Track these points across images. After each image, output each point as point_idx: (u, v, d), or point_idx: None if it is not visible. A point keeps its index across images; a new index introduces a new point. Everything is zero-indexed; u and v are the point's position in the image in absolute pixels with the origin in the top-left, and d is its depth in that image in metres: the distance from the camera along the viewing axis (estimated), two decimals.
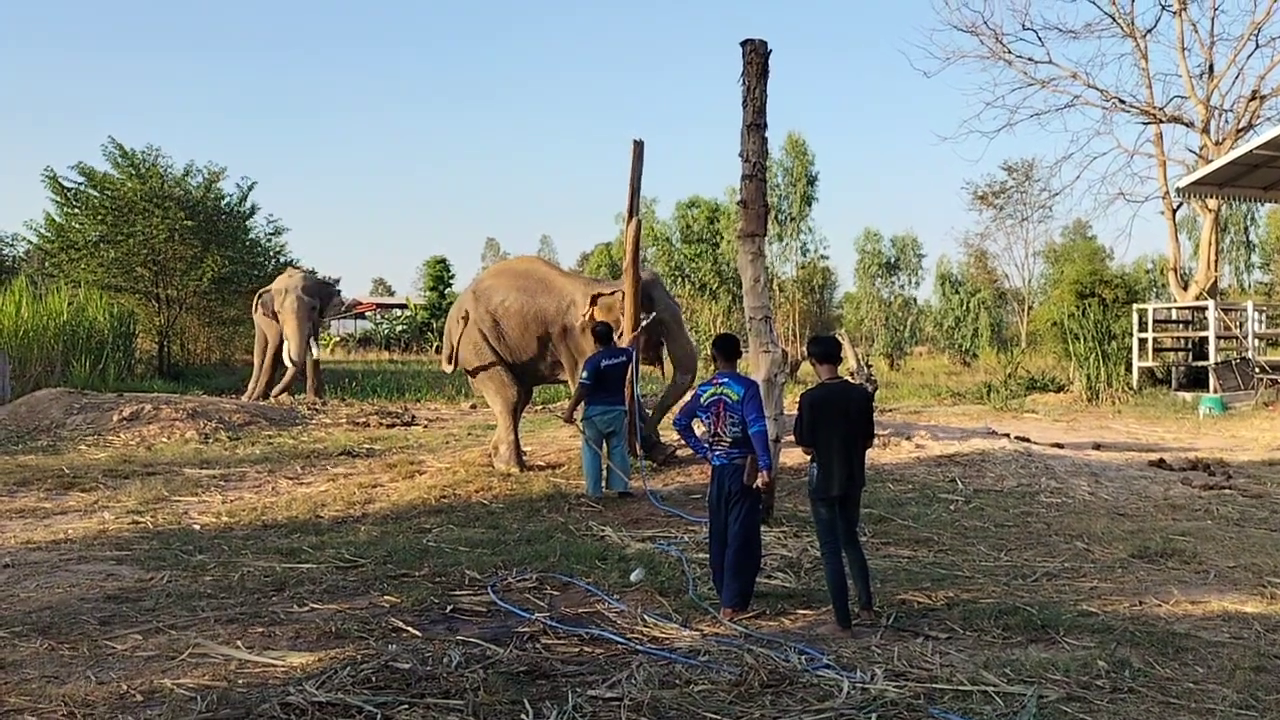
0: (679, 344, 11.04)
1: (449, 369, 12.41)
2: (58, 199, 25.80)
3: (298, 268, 26.01)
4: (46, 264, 26.93)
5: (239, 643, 5.25)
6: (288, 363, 19.57)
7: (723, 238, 39.89)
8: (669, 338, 11.00)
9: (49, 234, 26.27)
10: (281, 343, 19.68)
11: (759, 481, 5.93)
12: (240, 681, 4.67)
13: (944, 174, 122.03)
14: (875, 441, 6.00)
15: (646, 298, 10.61)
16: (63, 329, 20.36)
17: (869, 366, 21.60)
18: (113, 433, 13.65)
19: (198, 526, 8.43)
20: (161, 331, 25.15)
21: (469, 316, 10.99)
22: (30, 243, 28.26)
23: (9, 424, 14.08)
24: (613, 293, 10.58)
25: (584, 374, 9.45)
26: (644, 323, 10.34)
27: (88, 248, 25.37)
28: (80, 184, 25.62)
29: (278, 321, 19.68)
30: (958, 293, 41.39)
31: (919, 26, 52.16)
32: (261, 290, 20.54)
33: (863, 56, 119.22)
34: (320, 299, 20.14)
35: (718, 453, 6.06)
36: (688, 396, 6.92)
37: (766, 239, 8.95)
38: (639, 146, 10.64)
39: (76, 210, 25.83)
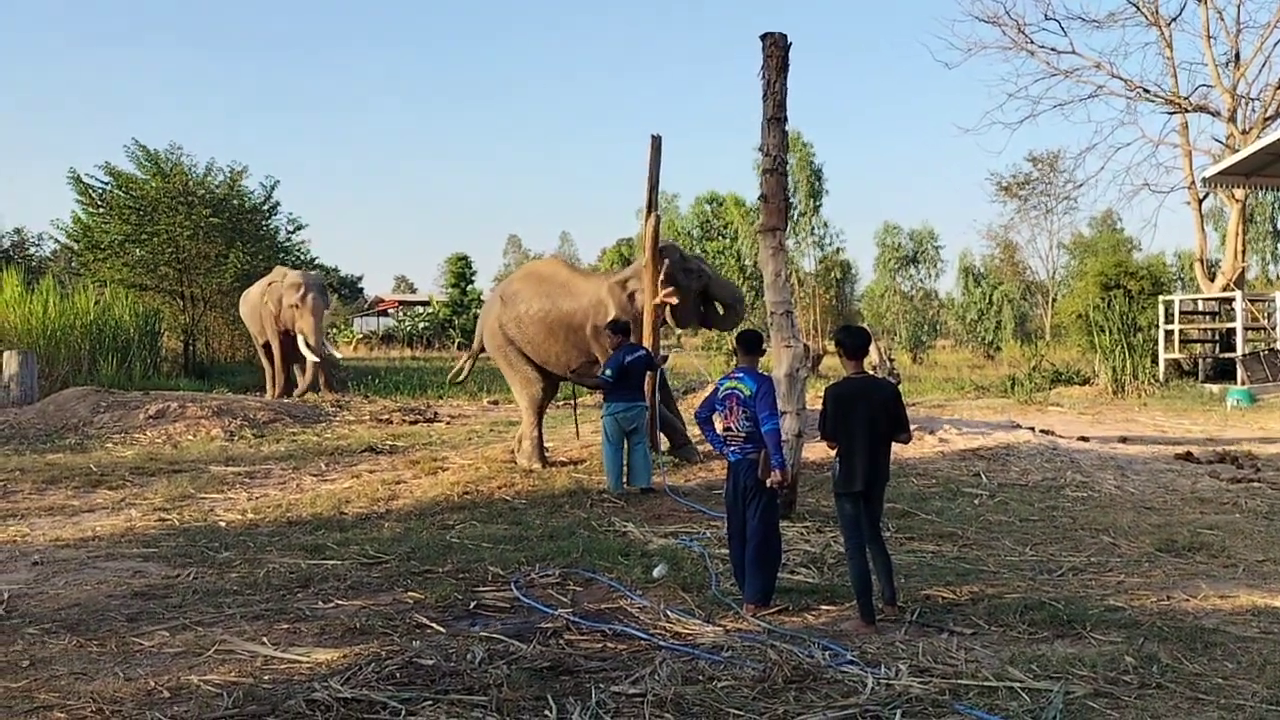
0: (721, 286, 11.06)
1: (461, 375, 12.67)
2: (83, 200, 26.03)
3: (314, 266, 26.14)
4: (73, 263, 27.20)
5: (265, 639, 5.28)
6: (311, 356, 19.52)
7: (739, 233, 39.78)
8: (713, 286, 11.00)
9: (75, 234, 26.51)
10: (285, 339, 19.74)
11: (772, 480, 5.91)
12: (266, 678, 4.70)
13: (966, 167, 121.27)
14: (909, 437, 5.93)
15: (684, 272, 10.63)
16: (89, 328, 20.53)
17: (892, 360, 21.51)
18: (139, 431, 13.77)
19: (223, 523, 8.49)
20: (187, 330, 25.36)
21: (496, 318, 11.12)
22: (57, 242, 28.56)
23: (37, 423, 14.23)
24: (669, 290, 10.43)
25: (606, 371, 9.47)
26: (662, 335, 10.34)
27: (113, 247, 25.59)
28: (106, 184, 25.84)
29: (278, 318, 19.62)
30: (979, 285, 41.14)
31: (940, 18, 51.75)
32: (271, 282, 20.19)
33: (880, 51, 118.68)
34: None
35: (733, 448, 6.05)
36: (709, 390, 6.92)
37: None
38: (657, 141, 10.61)
39: (102, 210, 26.04)
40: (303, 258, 28.94)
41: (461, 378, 13.21)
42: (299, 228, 29.97)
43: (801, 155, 37.99)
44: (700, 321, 11.46)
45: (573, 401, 10.68)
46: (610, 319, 10.08)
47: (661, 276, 10.31)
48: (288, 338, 19.79)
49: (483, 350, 11.81)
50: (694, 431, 10.78)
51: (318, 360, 19.46)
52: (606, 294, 10.65)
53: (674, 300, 10.32)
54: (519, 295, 11.07)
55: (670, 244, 11.09)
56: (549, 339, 10.84)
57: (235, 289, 25.63)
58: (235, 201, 27.05)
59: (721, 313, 11.20)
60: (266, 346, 20.45)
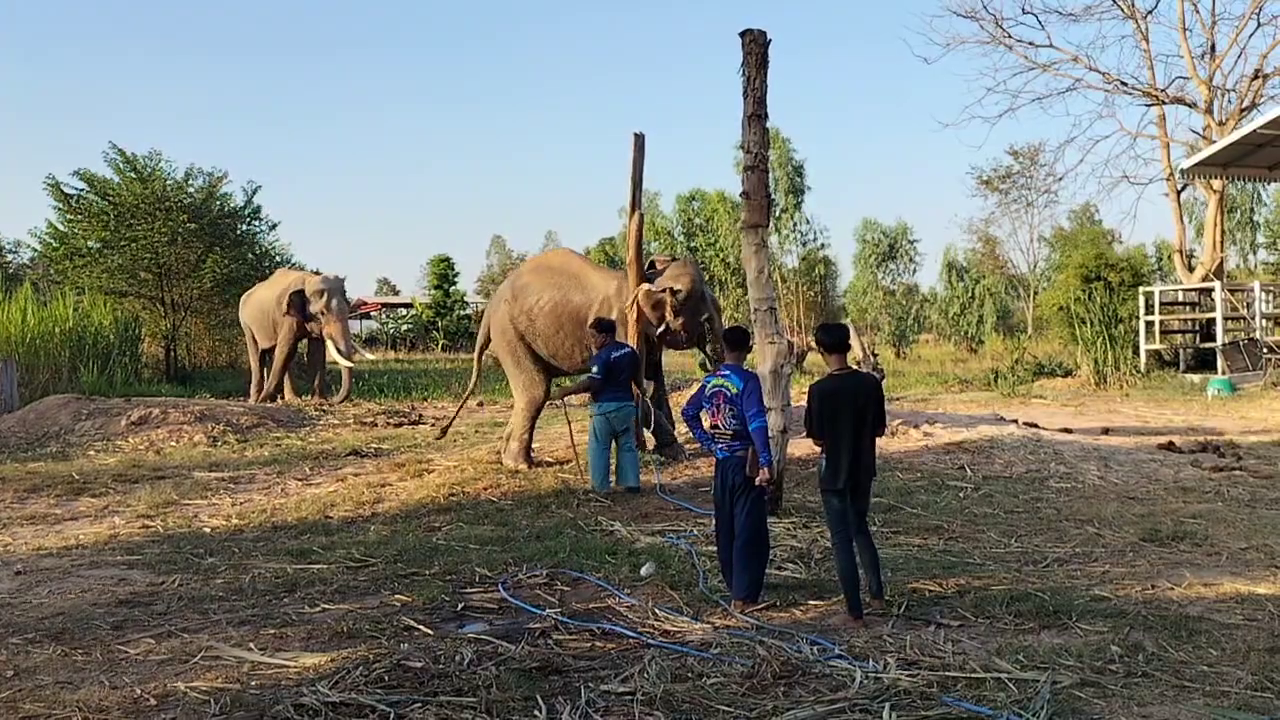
0: (720, 327, 10.91)
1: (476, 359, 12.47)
2: (60, 206, 25.81)
3: (301, 269, 26.01)
4: (51, 271, 26.94)
5: (251, 645, 5.26)
6: (344, 361, 18.98)
7: (724, 229, 39.81)
8: (713, 329, 10.71)
9: (53, 241, 26.29)
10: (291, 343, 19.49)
11: (760, 478, 5.92)
12: (253, 683, 4.68)
13: (946, 162, 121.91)
14: (884, 430, 5.99)
15: (700, 296, 10.49)
16: (69, 335, 20.35)
17: (875, 355, 21.55)
18: (121, 438, 13.67)
19: (208, 529, 8.45)
20: (167, 335, 25.17)
21: (506, 312, 10.99)
22: (34, 250, 28.29)
23: (18, 431, 14.12)
24: (663, 290, 10.27)
25: (594, 368, 9.41)
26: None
27: (91, 254, 25.39)
28: (82, 190, 25.62)
29: (301, 323, 19.13)
30: (962, 280, 41.30)
31: (919, 13, 51.85)
32: (293, 290, 19.33)
33: (859, 49, 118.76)
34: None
35: (720, 445, 6.07)
36: (694, 388, 6.93)
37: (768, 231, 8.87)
38: (639, 139, 10.59)
39: (80, 217, 25.81)
40: (283, 259, 28.72)
41: (470, 392, 12.92)
42: (272, 226, 29.73)
43: (781, 152, 38.02)
44: (698, 344, 11.20)
45: (560, 403, 10.59)
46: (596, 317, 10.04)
47: (679, 307, 10.21)
48: (298, 343, 19.56)
49: (486, 346, 11.70)
50: (680, 430, 10.81)
51: (350, 365, 19.05)
52: (615, 292, 10.57)
53: (676, 325, 10.31)
54: (529, 288, 10.95)
55: (694, 273, 10.69)
56: (558, 332, 10.72)
57: (215, 294, 25.44)
58: (215, 207, 26.84)
59: (709, 346, 10.94)
60: (264, 351, 20.12)
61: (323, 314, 18.87)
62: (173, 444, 13.46)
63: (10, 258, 34.53)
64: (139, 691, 4.59)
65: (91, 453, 12.85)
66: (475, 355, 12.46)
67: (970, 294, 40.33)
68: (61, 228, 26.19)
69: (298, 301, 19.09)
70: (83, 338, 20.63)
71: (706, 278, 38.23)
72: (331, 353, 19.09)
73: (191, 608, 6.04)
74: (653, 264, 11.07)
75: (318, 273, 22.80)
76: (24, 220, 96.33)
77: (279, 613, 5.89)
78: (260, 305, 20.30)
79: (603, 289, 10.71)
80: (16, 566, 7.18)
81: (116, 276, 24.92)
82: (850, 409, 5.67)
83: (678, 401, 12.45)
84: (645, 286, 10.28)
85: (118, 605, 6.13)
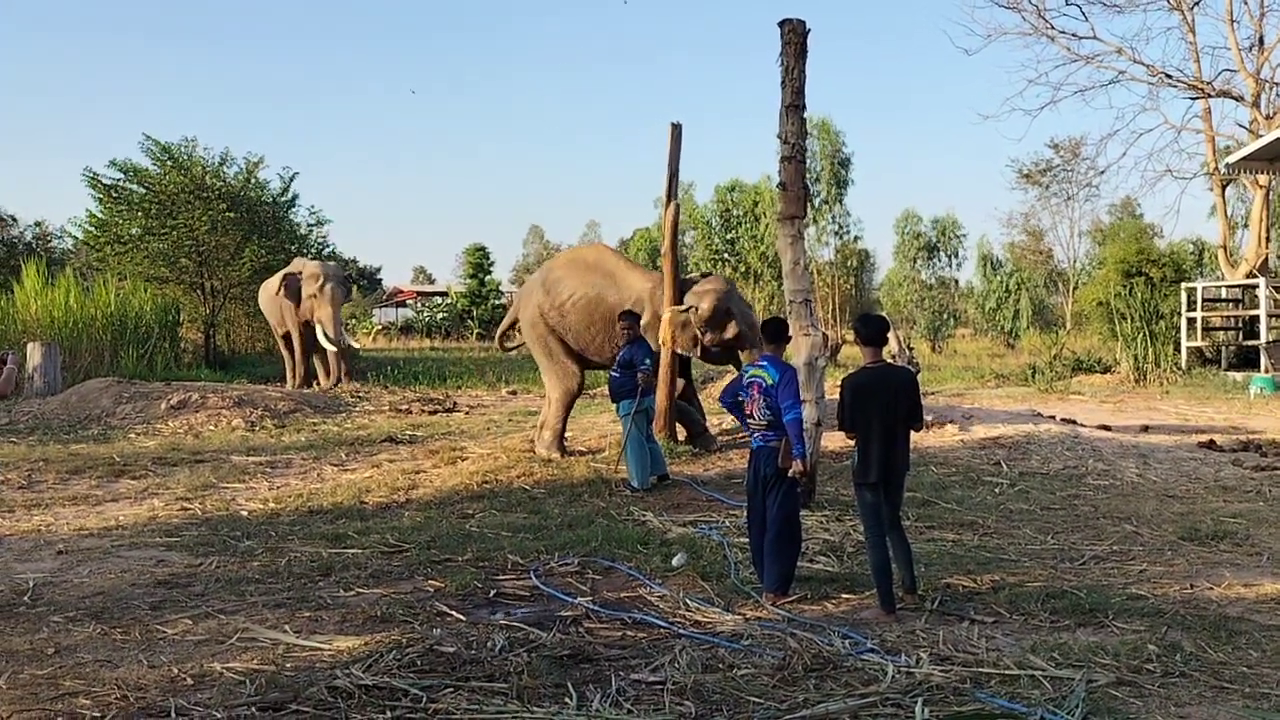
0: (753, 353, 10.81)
1: (504, 347, 13.10)
2: (99, 195, 26.16)
3: (334, 258, 26.23)
4: (92, 258, 27.32)
5: (286, 627, 5.32)
6: (329, 346, 19.52)
7: (760, 221, 39.61)
8: (746, 346, 10.45)
9: (94, 229, 26.68)
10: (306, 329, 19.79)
11: (794, 470, 5.90)
12: (288, 665, 4.74)
13: (985, 154, 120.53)
14: (921, 425, 5.93)
15: (725, 313, 10.37)
16: (110, 320, 20.65)
17: (911, 349, 21.40)
18: (161, 421, 13.86)
19: (245, 513, 8.55)
20: (207, 321, 25.48)
21: (537, 305, 10.99)
22: (76, 238, 28.70)
23: (61, 413, 14.35)
24: (686, 309, 10.22)
25: (647, 361, 9.31)
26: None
27: (133, 241, 25.73)
28: (120, 180, 25.96)
29: (296, 307, 19.67)
30: (996, 274, 40.84)
31: (960, 3, 51.28)
32: (287, 274, 20.15)
33: (899, 39, 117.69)
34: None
35: (755, 436, 6.05)
36: (728, 378, 6.93)
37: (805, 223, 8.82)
38: (676, 129, 10.57)
39: (121, 205, 26.16)
40: (320, 249, 28.96)
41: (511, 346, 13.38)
42: (320, 222, 29.96)
43: (830, 142, 37.71)
44: (732, 360, 10.92)
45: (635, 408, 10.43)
46: (626, 310, 10.00)
47: (704, 325, 10.22)
48: (308, 328, 19.83)
49: (514, 325, 11.81)
50: (712, 419, 10.80)
51: (337, 351, 19.50)
52: (649, 297, 10.52)
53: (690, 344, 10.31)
54: (562, 282, 10.94)
55: (720, 290, 10.58)
56: (589, 328, 10.69)
57: (253, 281, 25.72)
58: (253, 194, 27.10)
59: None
60: (286, 337, 20.54)
61: (314, 297, 19.43)
62: (211, 428, 13.63)
63: (54, 243, 35.03)
64: (176, 671, 4.66)
65: (132, 436, 13.04)
66: (499, 333, 12.92)
67: (1006, 288, 39.91)
68: (102, 216, 26.57)
69: (293, 285, 19.74)
70: (124, 323, 20.95)
71: (742, 269, 38.31)
72: (319, 336, 19.58)
73: (228, 589, 6.11)
74: (687, 282, 10.85)
75: (332, 259, 23.05)
76: (60, 202, 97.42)
77: (314, 596, 5.95)
78: (267, 293, 20.88)
79: (638, 290, 10.66)
80: (58, 546, 7.30)
81: (157, 263, 25.25)
82: (881, 402, 5.63)
83: (710, 393, 12.45)
84: (670, 310, 10.22)
85: (156, 586, 6.22)
